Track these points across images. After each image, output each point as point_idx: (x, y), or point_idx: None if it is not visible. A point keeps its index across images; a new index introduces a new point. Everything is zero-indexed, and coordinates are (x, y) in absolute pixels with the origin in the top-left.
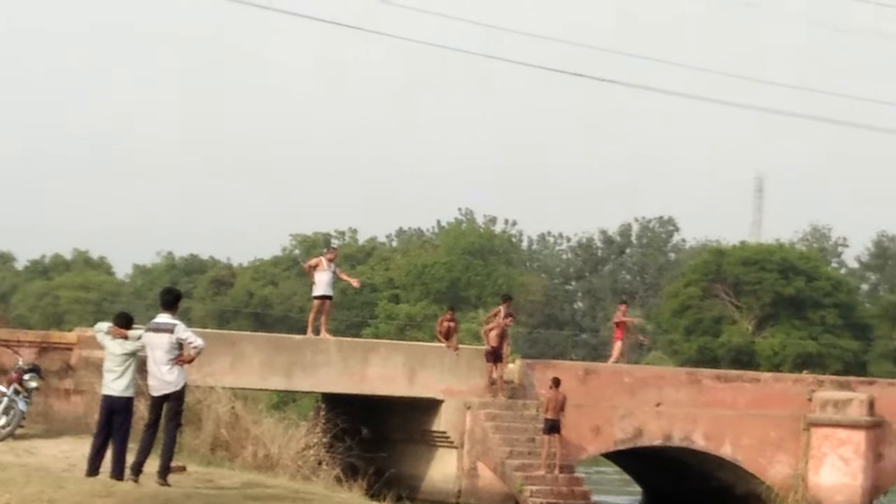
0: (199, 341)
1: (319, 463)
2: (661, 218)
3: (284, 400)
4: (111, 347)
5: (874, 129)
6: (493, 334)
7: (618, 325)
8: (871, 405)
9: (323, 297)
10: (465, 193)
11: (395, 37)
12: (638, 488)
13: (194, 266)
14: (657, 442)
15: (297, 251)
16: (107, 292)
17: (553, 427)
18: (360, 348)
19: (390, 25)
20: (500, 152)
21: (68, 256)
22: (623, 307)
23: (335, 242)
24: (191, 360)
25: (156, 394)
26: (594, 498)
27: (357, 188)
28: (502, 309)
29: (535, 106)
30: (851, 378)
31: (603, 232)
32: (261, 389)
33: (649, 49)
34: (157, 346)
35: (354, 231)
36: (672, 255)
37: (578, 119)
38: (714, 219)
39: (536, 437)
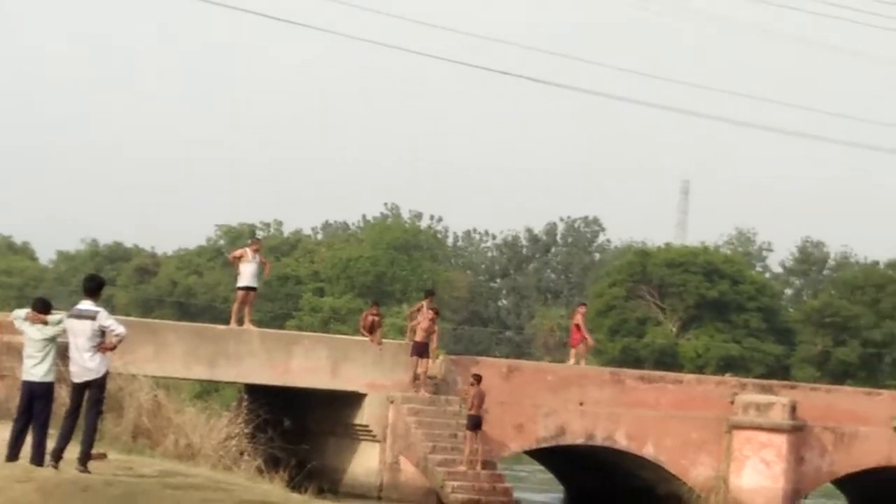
0: (121, 329)
1: (241, 453)
2: (586, 218)
3: (207, 390)
4: (30, 333)
5: (801, 135)
6: (420, 329)
7: (577, 327)
8: (794, 409)
9: (247, 288)
10: (391, 188)
11: (324, 30)
12: (560, 487)
13: (118, 254)
14: (580, 441)
15: (222, 241)
16: (30, 278)
17: (476, 423)
18: (284, 340)
19: (320, 20)
20: (427, 148)
21: None
22: (582, 309)
23: (260, 234)
24: (113, 348)
25: (77, 380)
26: (516, 495)
27: (283, 180)
28: (425, 304)
29: (462, 103)
30: (774, 382)
31: (529, 230)
32: (183, 379)
33: (577, 50)
34: (79, 333)
35: (280, 223)
36: (597, 256)
37: (507, 117)
38: (639, 220)
39: (459, 433)
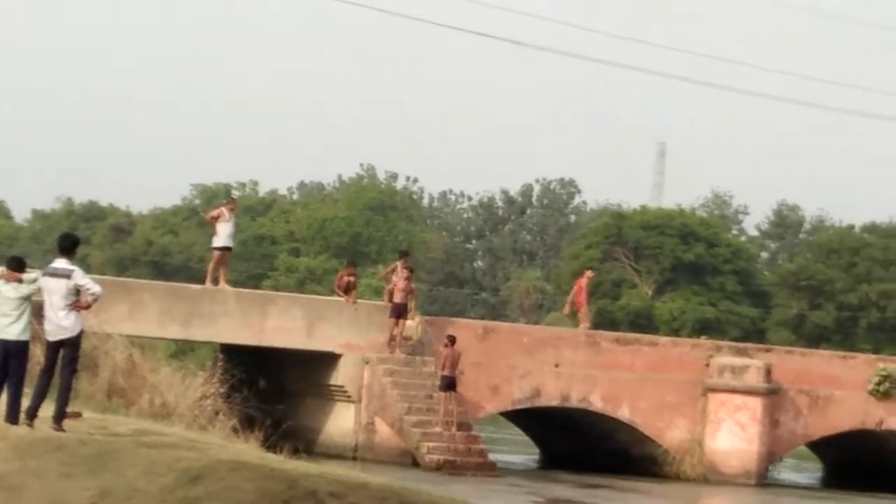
0: (96, 288)
1: (216, 413)
2: (562, 180)
3: (183, 349)
4: (6, 291)
5: (777, 99)
6: (397, 290)
7: (581, 290)
8: (769, 372)
9: (223, 248)
10: (368, 149)
11: None
12: (535, 449)
13: (93, 213)
14: (555, 403)
15: (197, 201)
16: (5, 236)
17: (450, 384)
18: (259, 300)
19: None
20: (403, 109)
21: None
22: (590, 273)
23: (236, 193)
24: (88, 307)
25: (52, 339)
26: (491, 457)
27: (259, 140)
28: (399, 265)
29: (439, 64)
30: (749, 345)
31: (504, 192)
32: (159, 338)
33: (553, 12)
34: (54, 291)
35: (255, 183)
36: (572, 218)
37: (483, 78)
38: (616, 183)
39: (434, 395)
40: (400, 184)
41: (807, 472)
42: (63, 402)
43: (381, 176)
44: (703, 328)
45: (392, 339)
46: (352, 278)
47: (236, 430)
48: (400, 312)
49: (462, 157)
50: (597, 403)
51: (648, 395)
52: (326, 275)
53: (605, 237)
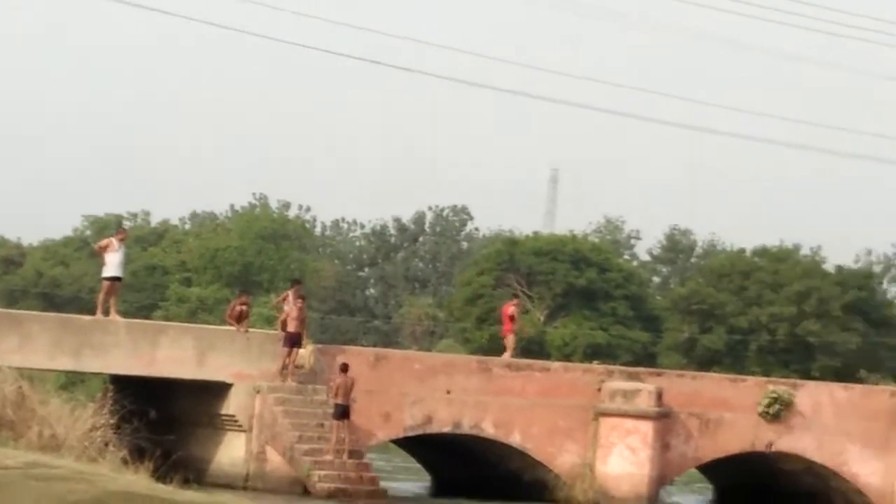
0: None
1: (106, 444)
2: (454, 207)
3: (73, 381)
4: None
5: (668, 124)
6: (291, 320)
7: (511, 318)
8: (660, 396)
9: (113, 279)
10: (260, 178)
11: (188, 18)
12: (427, 476)
13: None
14: (447, 429)
15: (88, 232)
16: None
17: (343, 412)
18: (150, 330)
19: (187, 7)
20: (295, 138)
21: None
22: (517, 301)
23: (127, 224)
24: None
25: None
26: (383, 484)
27: (150, 170)
28: (291, 293)
29: (331, 91)
30: (640, 369)
31: (397, 219)
32: (49, 370)
33: (444, 39)
34: None
35: (147, 213)
36: (465, 244)
37: (374, 106)
38: (508, 209)
39: (326, 423)
40: (292, 212)
41: (697, 494)
42: None
43: (274, 205)
44: (595, 353)
45: (284, 367)
46: (244, 307)
47: (126, 462)
48: (294, 341)
49: (354, 185)
50: (488, 429)
51: (540, 421)
52: (218, 304)
53: (497, 264)
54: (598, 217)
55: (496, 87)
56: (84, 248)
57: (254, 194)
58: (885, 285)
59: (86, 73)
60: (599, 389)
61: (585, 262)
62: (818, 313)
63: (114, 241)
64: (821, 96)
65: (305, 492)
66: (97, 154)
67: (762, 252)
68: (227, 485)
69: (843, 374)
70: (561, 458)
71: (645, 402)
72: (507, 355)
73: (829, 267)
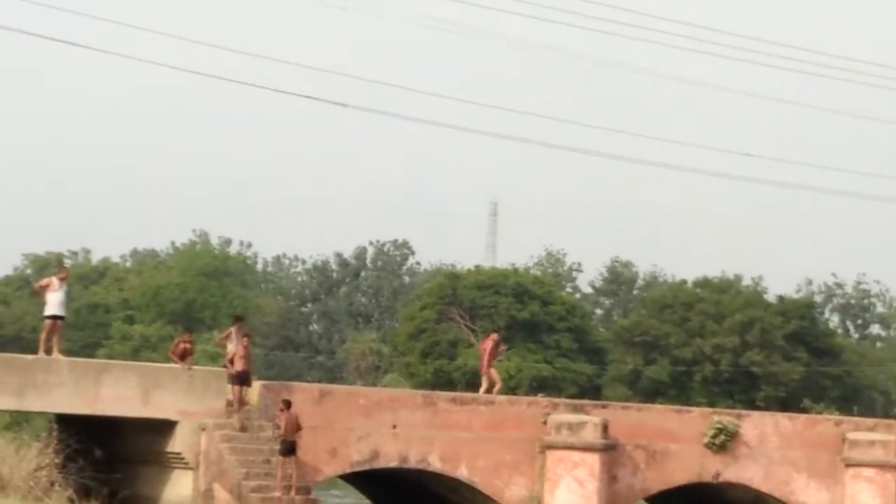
0: None
1: (52, 484)
2: (395, 241)
3: (17, 420)
4: None
5: (608, 157)
6: (238, 358)
7: (490, 353)
8: (605, 428)
9: (54, 317)
10: (200, 215)
11: (117, 54)
12: None
13: None
14: (393, 464)
15: (29, 271)
16: None
17: (289, 448)
18: (93, 369)
19: (123, 44)
20: (236, 175)
21: None
22: (495, 335)
23: (68, 262)
24: None
25: None
26: None
27: (90, 209)
28: (233, 330)
29: (271, 129)
30: (586, 401)
31: (338, 255)
32: None
33: (377, 72)
34: None
35: (88, 251)
36: (407, 279)
37: (314, 142)
38: (449, 243)
39: (273, 459)
40: (234, 249)
41: None
42: None
43: (215, 241)
44: (540, 386)
45: (230, 404)
46: (187, 345)
47: (73, 501)
48: (243, 380)
49: (295, 222)
50: (435, 463)
51: (487, 454)
52: (162, 342)
53: (440, 298)
54: (539, 250)
55: (436, 121)
56: (25, 286)
57: (194, 231)
58: (826, 315)
59: (26, 114)
60: (545, 422)
61: (528, 294)
62: (761, 343)
63: (55, 279)
64: (760, 128)
65: None
66: (37, 193)
67: (704, 283)
68: None
69: (787, 403)
70: (509, 492)
71: (591, 435)
72: (495, 390)
73: (770, 297)
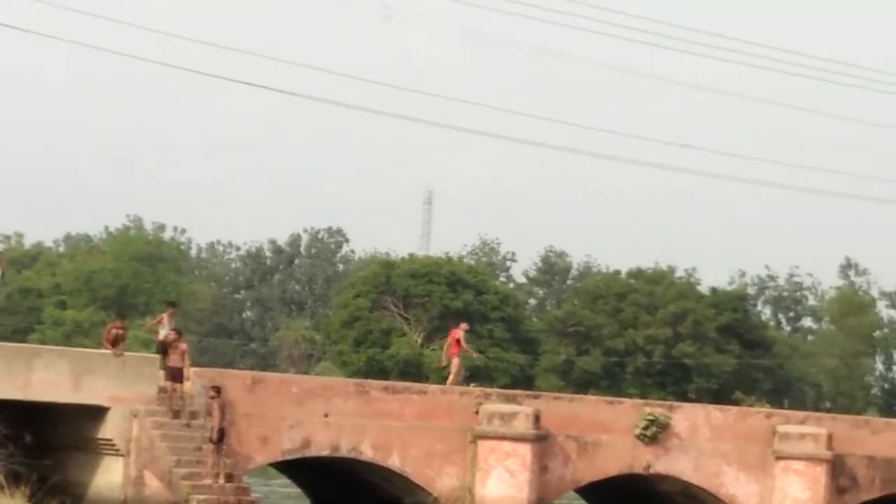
0: None
1: None
2: (330, 229)
3: None
4: None
5: (543, 146)
6: (174, 354)
7: (457, 342)
8: (537, 418)
9: None
10: (134, 200)
11: (68, 41)
12: (307, 500)
13: None
14: (325, 452)
15: None
16: None
17: (219, 436)
18: (24, 354)
19: (62, 29)
20: (170, 161)
21: None
22: (465, 325)
23: (0, 246)
24: None
25: None
26: None
27: (23, 193)
28: (165, 316)
29: (210, 113)
30: (518, 391)
31: (272, 242)
32: None
33: (318, 59)
34: None
35: (21, 235)
36: (341, 267)
37: (247, 127)
38: (383, 231)
39: (204, 447)
40: (167, 235)
41: None
42: None
43: (149, 227)
44: (473, 376)
45: (162, 390)
46: (120, 331)
47: (2, 487)
48: (175, 375)
49: (230, 208)
50: (367, 453)
51: (418, 444)
52: (94, 328)
53: (373, 286)
54: (473, 239)
55: (371, 108)
56: None
57: (128, 216)
58: (758, 307)
59: None
60: (477, 412)
61: (461, 284)
62: (694, 335)
63: None
64: (697, 118)
65: None
66: None
67: (637, 274)
68: None
69: (719, 395)
70: (440, 481)
71: (523, 425)
72: (450, 380)
73: (703, 289)
